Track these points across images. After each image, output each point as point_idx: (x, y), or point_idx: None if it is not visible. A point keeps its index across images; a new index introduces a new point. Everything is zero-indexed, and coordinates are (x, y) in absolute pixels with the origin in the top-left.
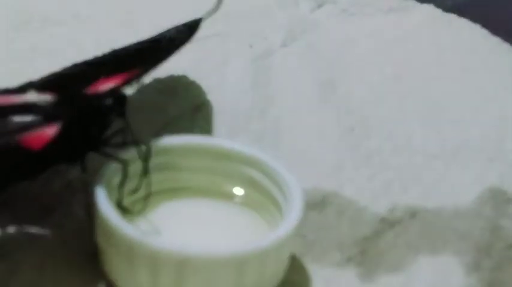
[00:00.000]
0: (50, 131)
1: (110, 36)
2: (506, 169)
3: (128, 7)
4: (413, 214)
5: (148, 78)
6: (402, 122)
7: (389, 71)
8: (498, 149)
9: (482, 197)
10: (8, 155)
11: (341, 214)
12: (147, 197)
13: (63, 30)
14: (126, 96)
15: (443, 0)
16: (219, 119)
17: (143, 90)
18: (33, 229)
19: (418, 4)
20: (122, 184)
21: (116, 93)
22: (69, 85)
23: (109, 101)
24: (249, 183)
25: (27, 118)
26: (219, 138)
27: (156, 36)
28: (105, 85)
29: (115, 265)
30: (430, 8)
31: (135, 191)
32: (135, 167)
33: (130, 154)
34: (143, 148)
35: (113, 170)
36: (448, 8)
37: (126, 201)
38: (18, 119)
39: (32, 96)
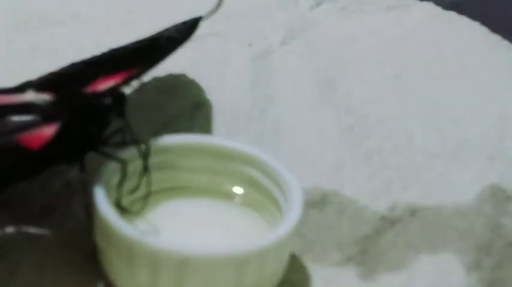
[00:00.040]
0: (49, 130)
1: (110, 36)
2: (507, 167)
3: (127, 7)
4: (413, 212)
5: (147, 77)
6: (402, 121)
7: (389, 70)
8: (498, 147)
9: (483, 195)
10: (7, 155)
11: (341, 213)
12: (147, 196)
13: (63, 30)
14: (125, 95)
15: None
16: (218, 118)
17: (142, 89)
18: (33, 229)
19: (418, 2)
20: (120, 183)
21: (115, 93)
22: (68, 84)
23: (108, 100)
24: (249, 182)
25: (26, 118)
26: (219, 138)
27: (155, 35)
28: (104, 84)
29: (114, 265)
30: (429, 6)
31: (134, 190)
32: (134, 166)
33: (129, 153)
34: (143, 146)
35: (112, 169)
36: (447, 6)
37: (125, 201)
38: (16, 118)
39: (30, 96)
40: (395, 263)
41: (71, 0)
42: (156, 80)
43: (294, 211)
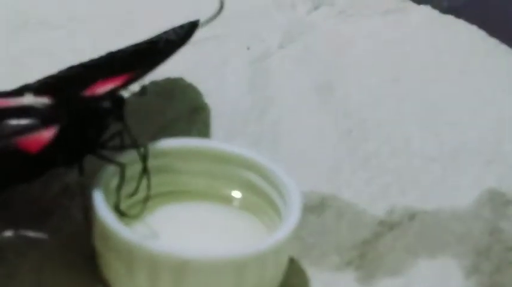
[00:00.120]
0: (48, 134)
1: (108, 39)
2: (505, 171)
3: (125, 10)
4: (411, 216)
5: (145, 81)
6: (400, 124)
7: (387, 73)
8: (496, 151)
9: (481, 199)
10: (5, 158)
11: (340, 217)
12: (146, 199)
13: (61, 33)
14: (125, 98)
15: (439, 2)
16: (216, 122)
17: (141, 93)
18: (31, 232)
19: (416, 6)
20: (119, 187)
21: (113, 96)
22: (66, 88)
23: (107, 104)
24: (247, 186)
25: (25, 121)
26: (217, 141)
27: (153, 38)
28: (103, 87)
29: (113, 269)
30: (427, 10)
31: (133, 194)
32: (133, 170)
33: (128, 156)
34: (142, 148)
35: (110, 173)
36: (444, 10)
37: (124, 204)
38: (15, 122)
39: (29, 99)
40: (394, 267)
41: (69, 3)
42: (154, 84)
43: (292, 215)
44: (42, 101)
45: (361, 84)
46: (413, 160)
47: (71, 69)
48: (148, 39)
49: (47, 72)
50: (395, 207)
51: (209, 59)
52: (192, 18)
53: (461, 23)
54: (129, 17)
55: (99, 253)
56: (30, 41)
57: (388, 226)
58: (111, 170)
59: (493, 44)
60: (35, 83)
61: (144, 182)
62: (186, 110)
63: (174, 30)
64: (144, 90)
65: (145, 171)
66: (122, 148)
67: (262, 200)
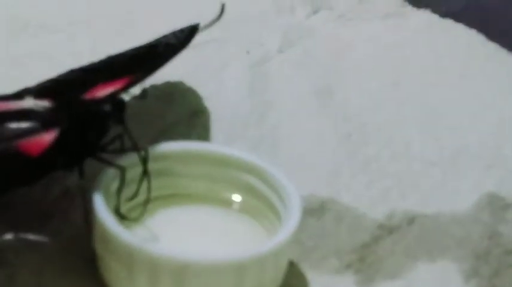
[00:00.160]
0: (48, 137)
1: (108, 43)
2: (504, 175)
3: (125, 14)
4: (411, 220)
5: (145, 85)
6: (400, 128)
7: (387, 77)
8: (496, 155)
9: (480, 203)
10: (6, 161)
11: (339, 221)
12: (146, 203)
13: (61, 37)
14: (125, 101)
15: (438, 6)
16: (216, 126)
17: (142, 96)
18: (32, 235)
19: (415, 10)
20: (119, 190)
21: (114, 99)
22: (67, 91)
23: (107, 107)
24: (247, 190)
25: (25, 124)
26: (217, 145)
27: (153, 41)
28: (103, 91)
29: (113, 272)
30: (426, 14)
31: (133, 197)
32: (133, 173)
33: (128, 160)
34: (142, 151)
35: (110, 176)
36: (443, 14)
37: (124, 207)
38: (16, 125)
39: (29, 103)
40: (394, 271)
41: (69, 7)
42: (154, 88)
43: (292, 218)
44: (43, 104)
45: (360, 88)
46: (413, 164)
47: (72, 72)
48: (148, 43)
49: (47, 75)
50: (395, 211)
51: (209, 63)
52: (192, 21)
53: (460, 27)
54: (128, 21)
55: (100, 256)
56: (30, 44)
57: (387, 229)
58: (111, 173)
59: (492, 48)
60: (35, 87)
61: (144, 185)
62: (186, 114)
63: (174, 34)
64: (144, 93)
65: (145, 174)
66: (122, 151)
67: (262, 203)
